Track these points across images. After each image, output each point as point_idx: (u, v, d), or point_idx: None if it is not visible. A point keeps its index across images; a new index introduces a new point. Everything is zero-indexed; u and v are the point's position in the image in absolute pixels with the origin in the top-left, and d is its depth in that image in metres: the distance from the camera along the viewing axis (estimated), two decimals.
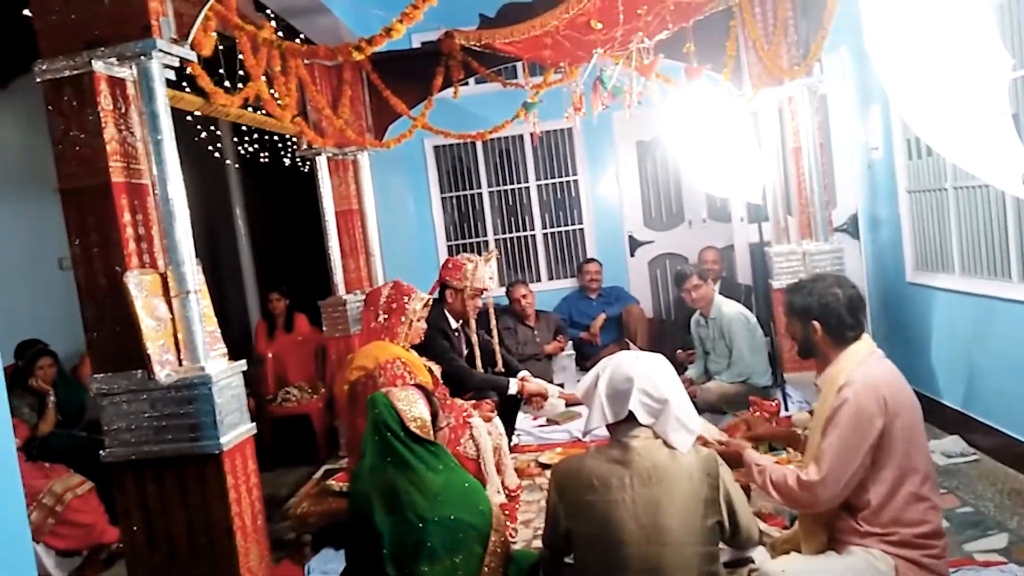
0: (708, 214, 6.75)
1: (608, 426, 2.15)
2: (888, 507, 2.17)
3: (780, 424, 3.56)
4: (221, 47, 3.13)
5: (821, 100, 4.99)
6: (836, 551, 2.25)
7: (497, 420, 3.93)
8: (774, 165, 5.00)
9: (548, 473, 3.93)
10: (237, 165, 7.74)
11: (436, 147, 6.79)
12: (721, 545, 2.10)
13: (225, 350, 2.85)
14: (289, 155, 7.43)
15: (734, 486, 2.10)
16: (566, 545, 2.18)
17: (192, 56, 2.78)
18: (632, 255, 6.85)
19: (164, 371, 2.63)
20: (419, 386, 2.62)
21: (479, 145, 6.75)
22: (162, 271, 2.71)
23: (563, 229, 6.96)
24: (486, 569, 2.30)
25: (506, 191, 6.95)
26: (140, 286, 2.61)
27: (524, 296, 5.97)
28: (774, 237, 5.11)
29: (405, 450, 2.33)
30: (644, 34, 3.85)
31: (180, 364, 2.69)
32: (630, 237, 6.84)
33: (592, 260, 6.52)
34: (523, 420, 4.89)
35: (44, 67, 2.60)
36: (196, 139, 6.41)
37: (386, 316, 3.55)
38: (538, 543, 3.04)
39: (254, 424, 2.87)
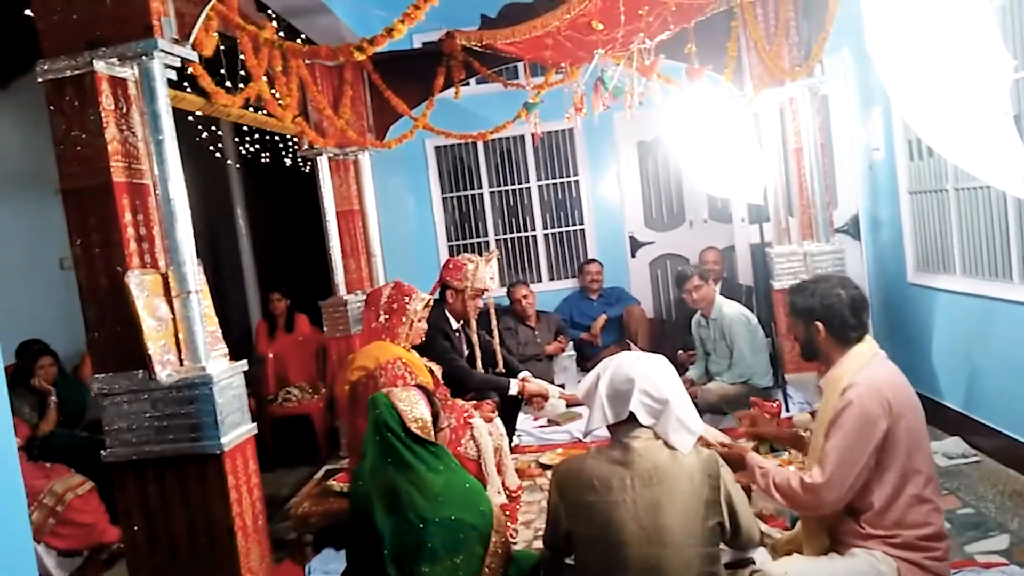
0: (709, 215, 6.75)
1: (609, 427, 2.14)
2: (891, 509, 2.17)
3: (781, 425, 3.56)
4: (222, 47, 3.13)
5: (822, 101, 4.99)
6: (838, 553, 2.24)
7: (498, 421, 3.93)
8: (775, 166, 5.00)
9: (549, 474, 3.93)
10: (238, 165, 7.73)
11: (437, 147, 6.80)
12: (722, 546, 2.10)
13: (226, 350, 2.85)
14: (290, 155, 7.43)
15: (735, 487, 2.09)
16: (567, 546, 2.18)
17: (193, 56, 2.78)
18: (633, 256, 6.84)
19: (165, 371, 2.63)
20: (420, 386, 2.62)
21: (480, 145, 6.74)
22: (163, 271, 2.71)
23: (564, 229, 6.96)
24: (487, 570, 2.30)
25: (507, 191, 6.95)
26: (141, 286, 2.61)
27: (525, 296, 5.97)
28: (775, 238, 5.11)
29: (406, 450, 2.33)
30: (645, 35, 3.85)
31: (181, 364, 2.69)
32: (631, 238, 6.84)
33: (593, 261, 6.52)
34: (524, 421, 4.89)
35: (46, 67, 2.59)
36: (197, 139, 6.41)
37: (387, 316, 3.55)
38: (539, 544, 3.04)
39: (255, 424, 2.87)
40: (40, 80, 2.61)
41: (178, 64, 2.72)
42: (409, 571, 2.24)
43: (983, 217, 3.70)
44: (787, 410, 4.46)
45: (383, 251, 5.53)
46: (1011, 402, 3.56)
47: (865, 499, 2.19)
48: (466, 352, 4.38)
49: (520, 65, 5.37)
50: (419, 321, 3.63)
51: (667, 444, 2.07)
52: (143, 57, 2.58)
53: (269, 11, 4.68)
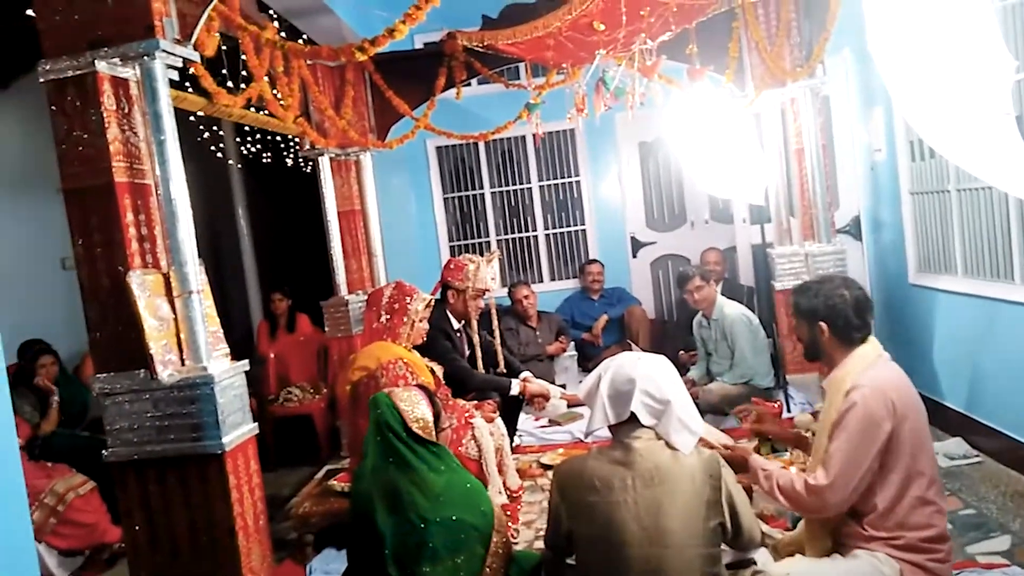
0: (710, 215, 6.75)
1: (610, 427, 2.14)
2: (894, 511, 2.17)
3: (782, 426, 3.56)
4: (224, 47, 3.13)
5: (824, 102, 4.99)
6: (840, 554, 2.24)
7: (499, 421, 3.92)
8: (776, 167, 5.00)
9: (550, 474, 3.94)
10: (240, 165, 7.73)
11: (438, 148, 6.80)
12: (723, 547, 2.10)
13: (227, 350, 2.85)
14: (292, 155, 7.42)
15: (736, 487, 2.09)
16: (568, 546, 2.18)
17: (195, 56, 2.78)
18: (634, 256, 6.84)
19: (167, 371, 2.63)
20: (421, 387, 2.63)
21: (481, 146, 6.75)
22: (165, 271, 2.71)
23: (565, 230, 6.96)
24: (488, 570, 2.30)
25: (508, 192, 6.95)
26: (143, 286, 2.61)
27: (526, 297, 5.97)
28: (776, 238, 5.11)
29: (407, 451, 2.34)
30: (647, 35, 3.85)
31: (183, 364, 2.69)
32: (632, 238, 6.84)
33: (594, 261, 6.52)
34: (525, 421, 4.89)
35: (47, 67, 2.59)
36: (199, 139, 6.40)
37: (388, 316, 3.55)
38: (540, 544, 3.04)
39: (256, 424, 2.87)
40: (42, 80, 2.61)
41: (180, 64, 2.72)
42: (410, 571, 2.24)
43: (985, 218, 3.70)
44: (788, 411, 4.45)
45: (384, 251, 5.53)
46: (1012, 403, 3.56)
47: (868, 501, 2.18)
48: (467, 352, 4.39)
49: (521, 66, 5.37)
50: (420, 321, 3.63)
51: (668, 444, 2.07)
52: (145, 57, 2.58)
53: (271, 11, 4.68)
